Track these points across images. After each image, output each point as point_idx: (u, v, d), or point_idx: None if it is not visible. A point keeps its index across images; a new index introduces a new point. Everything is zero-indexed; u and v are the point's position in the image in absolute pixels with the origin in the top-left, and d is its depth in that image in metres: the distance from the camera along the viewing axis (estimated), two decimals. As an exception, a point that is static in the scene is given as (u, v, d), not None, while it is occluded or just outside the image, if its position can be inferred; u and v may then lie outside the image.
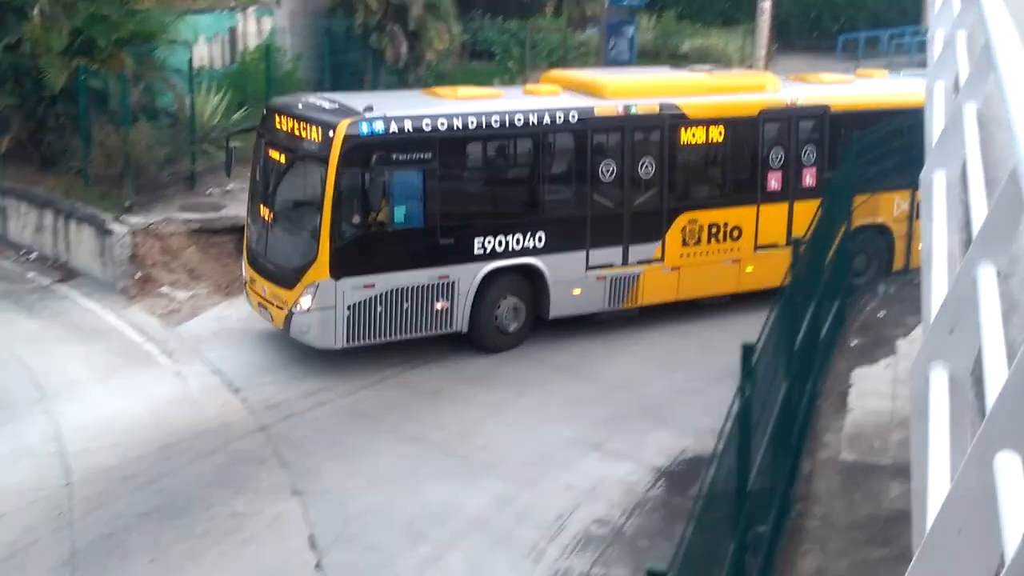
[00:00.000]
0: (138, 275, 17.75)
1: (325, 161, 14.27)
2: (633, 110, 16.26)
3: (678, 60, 28.42)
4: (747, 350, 7.15)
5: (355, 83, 24.25)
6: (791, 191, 17.37)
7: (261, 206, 15.64)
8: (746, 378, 7.09)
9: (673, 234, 16.79)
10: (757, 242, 17.45)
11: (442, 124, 14.88)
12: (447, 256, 15.14)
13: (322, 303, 14.54)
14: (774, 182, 17.34)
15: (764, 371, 7.95)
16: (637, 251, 16.56)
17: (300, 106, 15.34)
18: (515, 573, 10.66)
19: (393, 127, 14.56)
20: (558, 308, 16.24)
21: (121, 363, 15.32)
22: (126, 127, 18.51)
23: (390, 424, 13.69)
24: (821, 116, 17.48)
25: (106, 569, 10.52)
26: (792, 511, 9.72)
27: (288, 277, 14.89)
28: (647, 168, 16.44)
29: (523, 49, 29.02)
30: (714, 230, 17.12)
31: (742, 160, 17.47)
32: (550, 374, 15.21)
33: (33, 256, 19.69)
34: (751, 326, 8.75)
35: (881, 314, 15.43)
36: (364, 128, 14.38)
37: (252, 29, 24.98)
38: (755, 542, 7.85)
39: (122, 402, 14.04)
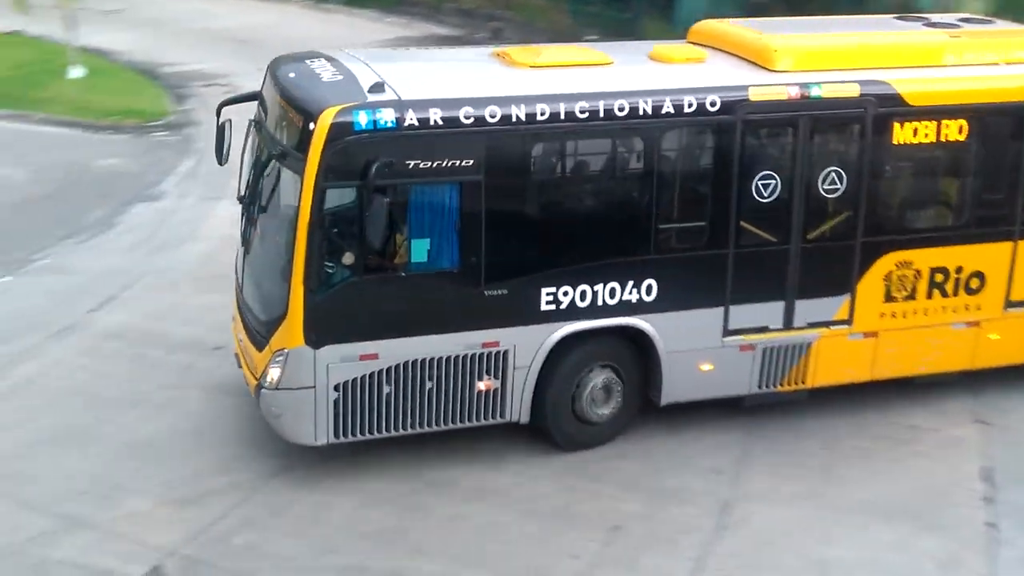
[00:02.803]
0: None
1: (301, 168, 9.22)
2: (815, 93, 10.38)
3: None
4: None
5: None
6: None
7: (243, 217, 10.77)
8: None
9: (870, 283, 10.92)
10: (1010, 296, 11.35)
11: (492, 114, 9.52)
12: (496, 313, 9.91)
13: (294, 380, 9.63)
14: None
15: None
16: (809, 309, 10.82)
17: (292, 74, 10.25)
18: None
19: (411, 117, 9.31)
20: (676, 390, 10.76)
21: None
22: None
23: None
24: None
25: None
26: None
27: (259, 333, 10.04)
28: (832, 183, 10.57)
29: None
30: (939, 278, 11.13)
31: (995, 173, 11.27)
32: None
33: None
34: None
35: None
36: (362, 119, 9.20)
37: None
38: None
39: None
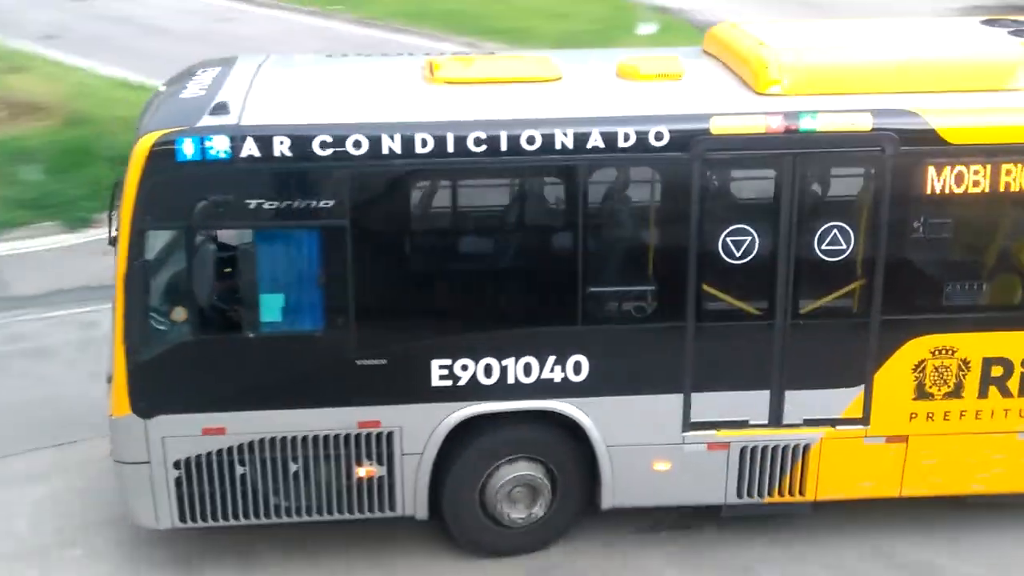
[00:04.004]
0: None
1: (126, 202, 7.68)
2: (806, 125, 7.84)
3: None
4: None
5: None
6: None
7: None
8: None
9: (894, 374, 8.28)
10: (1102, 401, 8.42)
11: (356, 144, 7.61)
12: (374, 388, 8.03)
13: (125, 453, 8.13)
14: None
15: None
16: (805, 402, 8.33)
17: (165, 86, 8.70)
18: None
19: (250, 147, 7.56)
20: (623, 493, 8.54)
21: None
22: None
23: None
24: None
25: None
26: None
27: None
28: (834, 243, 8.01)
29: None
30: (997, 371, 8.33)
31: None
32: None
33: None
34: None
35: None
36: (187, 148, 7.52)
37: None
38: None
39: None
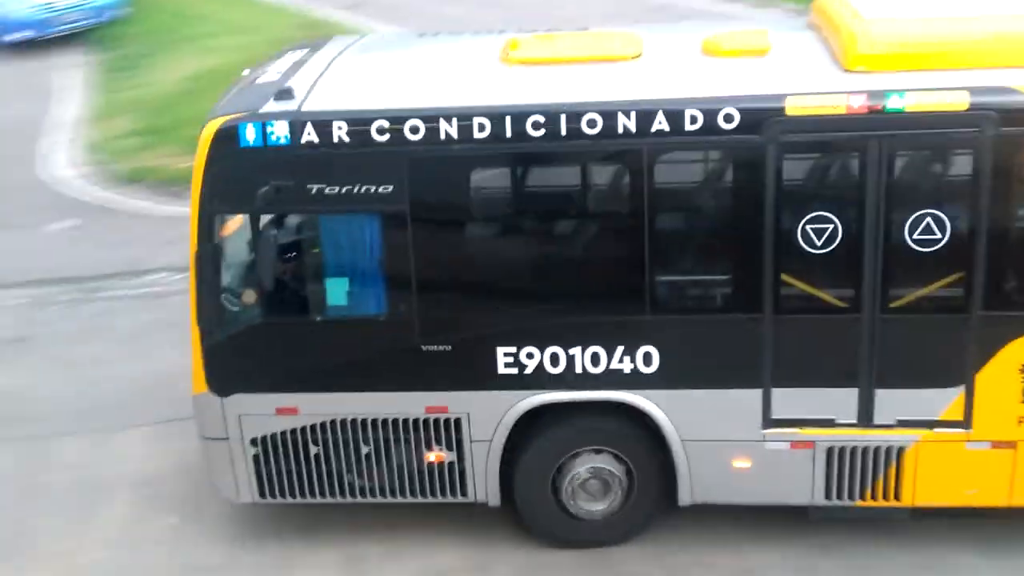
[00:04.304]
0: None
1: (195, 186, 7.86)
2: (894, 104, 7.19)
3: None
4: None
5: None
6: None
7: None
8: None
9: (999, 374, 7.57)
10: None
11: (414, 130, 7.50)
12: (440, 373, 7.95)
13: (206, 428, 8.36)
14: None
15: None
16: (898, 402, 7.72)
17: (248, 71, 8.80)
18: None
19: (309, 133, 7.56)
20: (702, 490, 8.18)
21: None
22: None
23: None
24: None
25: None
26: None
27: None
28: (928, 232, 7.35)
29: None
30: None
31: None
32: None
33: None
34: None
35: None
36: (250, 133, 7.60)
37: None
38: None
39: None
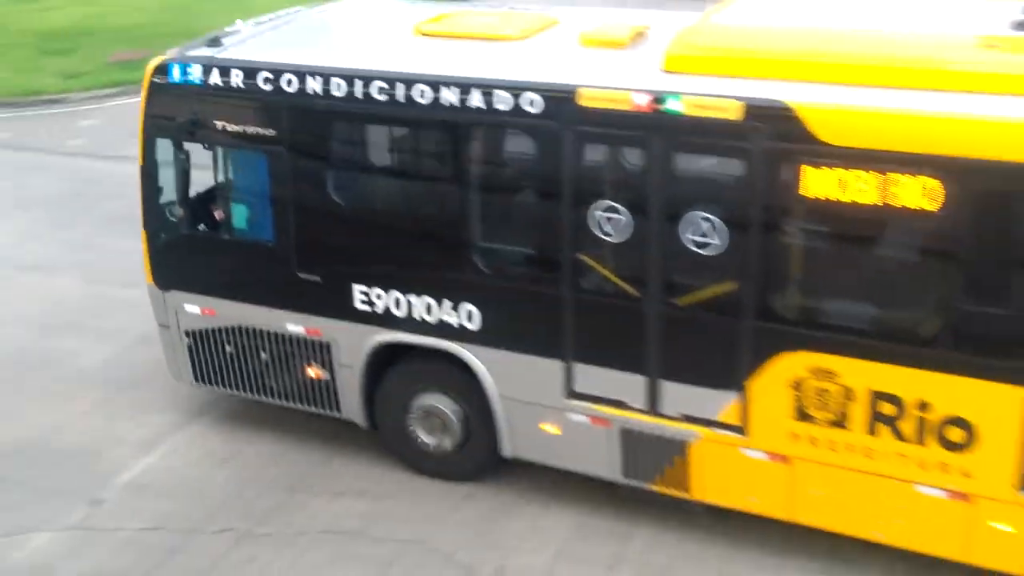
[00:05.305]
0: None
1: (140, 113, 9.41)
2: (672, 106, 7.37)
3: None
4: None
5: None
6: None
7: None
8: None
9: (771, 387, 7.61)
10: (1029, 474, 7.08)
11: (289, 83, 8.59)
12: (313, 300, 9.05)
13: (158, 315, 9.97)
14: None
15: None
16: (682, 396, 7.94)
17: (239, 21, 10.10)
18: None
19: (215, 77, 8.85)
20: (520, 445, 8.77)
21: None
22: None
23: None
24: None
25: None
26: None
27: None
28: (702, 234, 7.50)
29: None
30: (887, 409, 7.30)
31: (991, 270, 6.92)
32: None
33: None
34: None
35: None
36: (175, 72, 9.01)
37: None
38: None
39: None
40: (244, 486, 9.36)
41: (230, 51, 8.97)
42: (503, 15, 9.18)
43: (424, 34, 8.89)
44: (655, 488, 8.32)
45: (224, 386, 9.81)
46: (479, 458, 9.05)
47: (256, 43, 9.14)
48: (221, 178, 9.32)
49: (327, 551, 8.56)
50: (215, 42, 9.07)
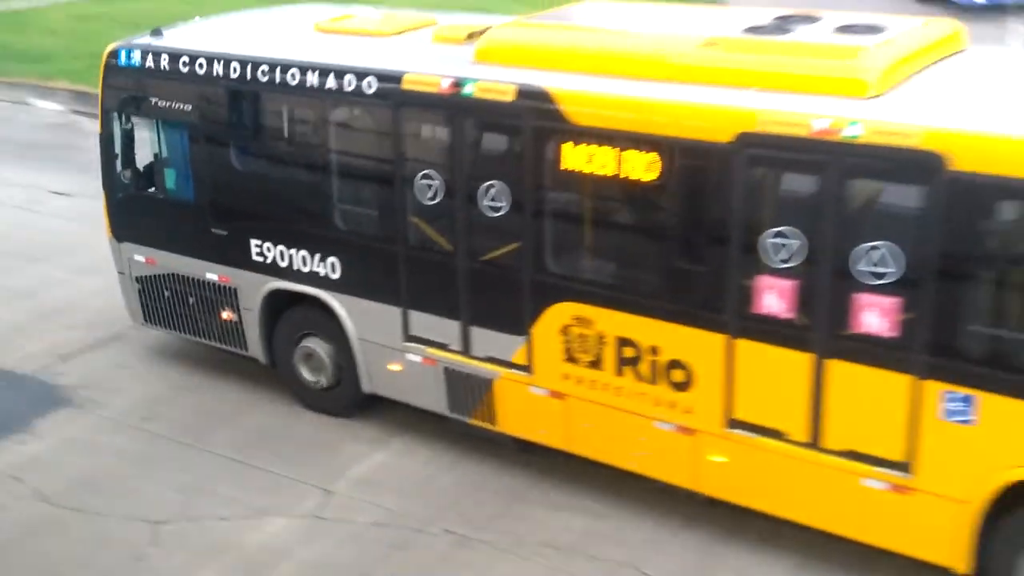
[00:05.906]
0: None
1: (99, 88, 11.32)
2: (467, 90, 8.79)
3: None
4: None
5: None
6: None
7: None
8: None
9: (547, 333, 8.92)
10: (732, 412, 8.21)
11: (201, 66, 10.32)
12: (223, 251, 10.73)
13: (116, 264, 11.82)
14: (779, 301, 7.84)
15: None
16: (486, 340, 9.31)
17: (197, 18, 11.92)
18: None
19: (150, 61, 10.66)
20: (374, 382, 10.25)
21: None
22: None
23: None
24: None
25: None
26: None
27: None
28: (494, 200, 8.88)
29: None
30: (628, 352, 8.55)
31: (693, 236, 8.13)
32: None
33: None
34: None
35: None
36: (122, 56, 10.87)
37: None
38: None
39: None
40: (467, 492, 9.54)
41: (165, 40, 10.75)
42: (388, 16, 10.71)
43: (322, 30, 10.51)
44: (473, 422, 9.67)
45: (165, 327, 11.56)
46: (350, 394, 10.54)
47: (188, 34, 10.91)
48: (157, 146, 11.08)
49: (542, 565, 8.62)
50: (157, 32, 10.87)
